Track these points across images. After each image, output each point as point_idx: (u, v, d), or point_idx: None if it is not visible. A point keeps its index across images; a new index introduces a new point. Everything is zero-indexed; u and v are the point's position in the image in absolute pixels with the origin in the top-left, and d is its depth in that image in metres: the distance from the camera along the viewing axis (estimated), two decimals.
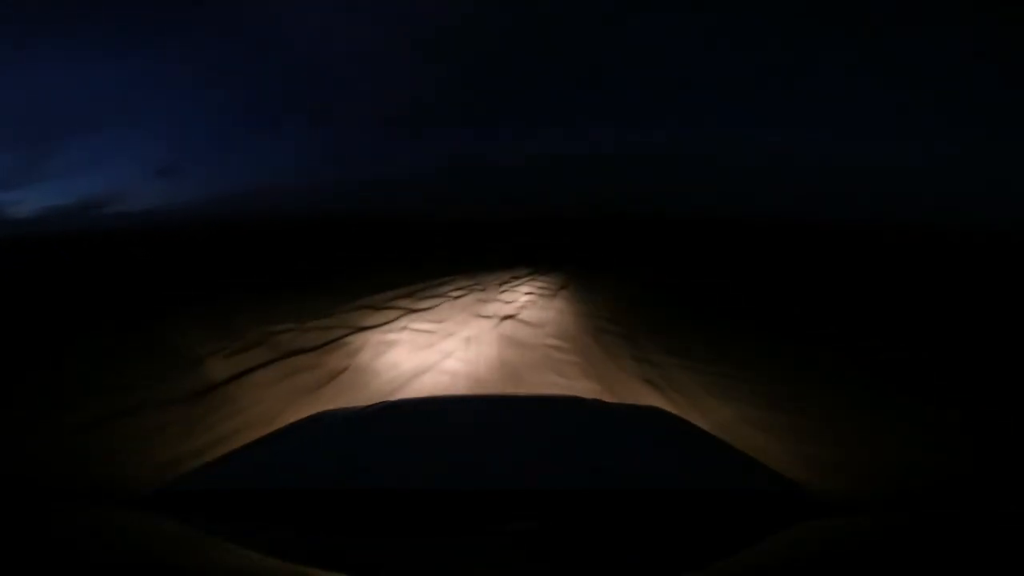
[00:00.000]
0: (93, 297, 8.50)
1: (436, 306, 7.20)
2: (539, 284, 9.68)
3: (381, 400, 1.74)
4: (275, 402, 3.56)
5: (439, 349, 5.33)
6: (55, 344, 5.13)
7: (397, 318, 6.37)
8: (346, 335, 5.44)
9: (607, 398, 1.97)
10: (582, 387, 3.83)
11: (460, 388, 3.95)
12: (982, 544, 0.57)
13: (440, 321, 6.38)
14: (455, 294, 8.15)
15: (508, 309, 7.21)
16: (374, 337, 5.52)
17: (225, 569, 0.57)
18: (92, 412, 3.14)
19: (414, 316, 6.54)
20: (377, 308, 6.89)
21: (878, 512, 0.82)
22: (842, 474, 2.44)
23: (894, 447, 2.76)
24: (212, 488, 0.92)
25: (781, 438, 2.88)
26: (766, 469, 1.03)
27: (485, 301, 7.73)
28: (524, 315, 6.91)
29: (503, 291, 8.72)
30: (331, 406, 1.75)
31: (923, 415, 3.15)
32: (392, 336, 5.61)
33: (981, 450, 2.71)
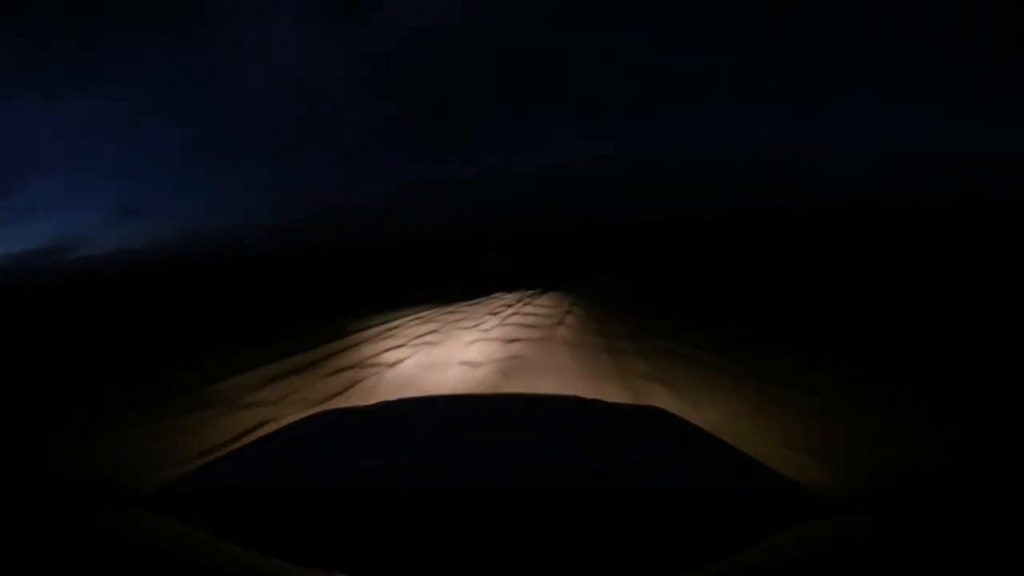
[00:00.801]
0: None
1: (344, 391, 4.06)
2: (527, 321, 6.52)
3: None
4: None
5: None
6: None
7: (248, 430, 3.22)
8: None
9: (607, 398, 1.71)
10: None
11: None
12: (982, 544, 0.56)
13: None
14: (392, 357, 5.00)
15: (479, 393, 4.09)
16: None
17: (225, 569, 0.57)
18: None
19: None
20: (229, 408, 3.75)
21: (878, 512, 0.80)
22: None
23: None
24: (212, 488, 0.91)
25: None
26: (766, 469, 0.99)
27: (437, 368, 4.60)
28: None
29: (473, 342, 5.52)
30: None
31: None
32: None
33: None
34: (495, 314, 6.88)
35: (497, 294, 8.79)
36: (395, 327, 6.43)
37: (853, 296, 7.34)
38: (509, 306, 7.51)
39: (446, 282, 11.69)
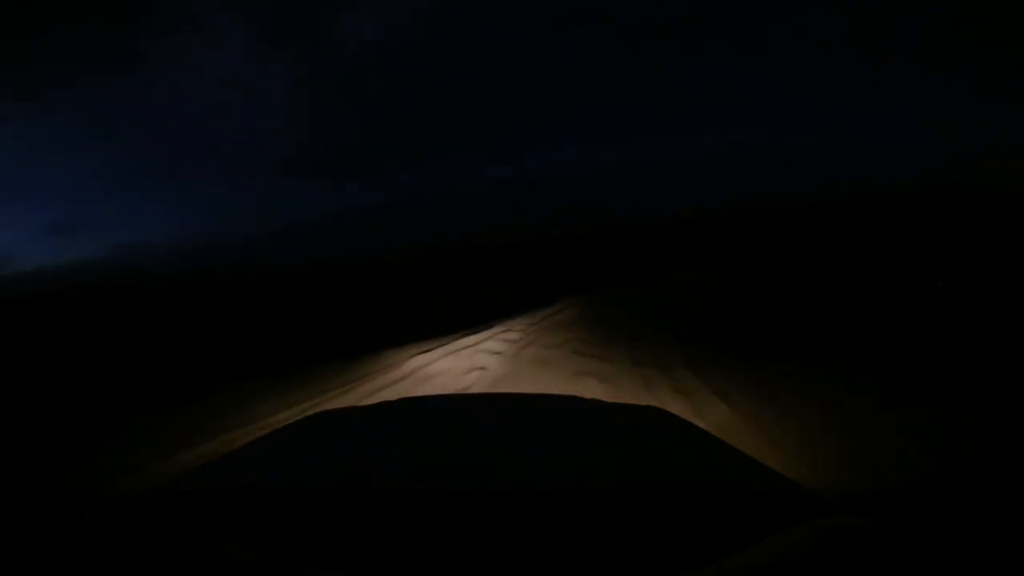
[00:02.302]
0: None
1: None
2: (543, 356, 5.75)
3: None
4: None
5: None
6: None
7: None
8: None
9: (608, 398, 1.75)
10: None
11: None
12: (982, 544, 0.56)
13: None
14: None
15: None
16: None
17: (225, 569, 0.56)
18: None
19: None
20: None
21: (878, 512, 0.80)
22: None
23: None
24: (212, 488, 0.91)
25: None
26: (766, 469, 0.99)
27: None
28: None
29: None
30: None
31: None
32: None
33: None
34: (497, 353, 5.98)
35: (499, 322, 7.88)
36: (381, 371, 5.56)
37: (853, 293, 7.39)
38: (515, 341, 6.72)
39: (435, 307, 10.81)
